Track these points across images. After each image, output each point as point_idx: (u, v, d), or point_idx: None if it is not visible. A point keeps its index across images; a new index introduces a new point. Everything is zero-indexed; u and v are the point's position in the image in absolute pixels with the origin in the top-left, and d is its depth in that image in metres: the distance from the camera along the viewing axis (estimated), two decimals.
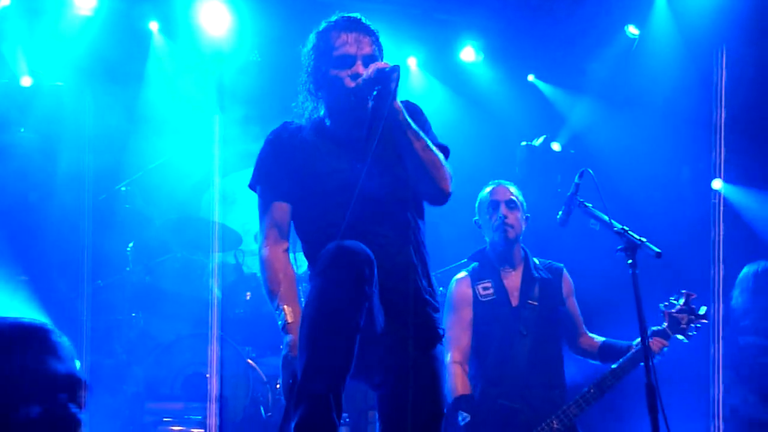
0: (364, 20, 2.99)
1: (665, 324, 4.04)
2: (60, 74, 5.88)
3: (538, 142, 5.93)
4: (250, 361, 5.51)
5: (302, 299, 2.84)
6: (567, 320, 4.39)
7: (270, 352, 5.71)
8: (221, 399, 5.20)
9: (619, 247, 3.51)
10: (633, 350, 4.05)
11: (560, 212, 4.00)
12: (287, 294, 2.89)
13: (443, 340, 3.03)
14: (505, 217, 4.30)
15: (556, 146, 6.27)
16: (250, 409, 5.37)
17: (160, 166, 6.01)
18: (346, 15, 2.99)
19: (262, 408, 5.45)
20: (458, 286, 4.39)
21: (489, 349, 4.25)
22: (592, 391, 4.05)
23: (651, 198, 5.69)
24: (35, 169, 5.50)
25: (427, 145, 2.85)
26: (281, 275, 2.91)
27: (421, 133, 2.86)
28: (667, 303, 4.06)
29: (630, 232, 3.51)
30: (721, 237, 4.60)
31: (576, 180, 3.79)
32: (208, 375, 5.21)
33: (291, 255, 3.02)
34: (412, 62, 6.73)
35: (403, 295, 2.85)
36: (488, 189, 4.44)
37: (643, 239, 3.47)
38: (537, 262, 4.42)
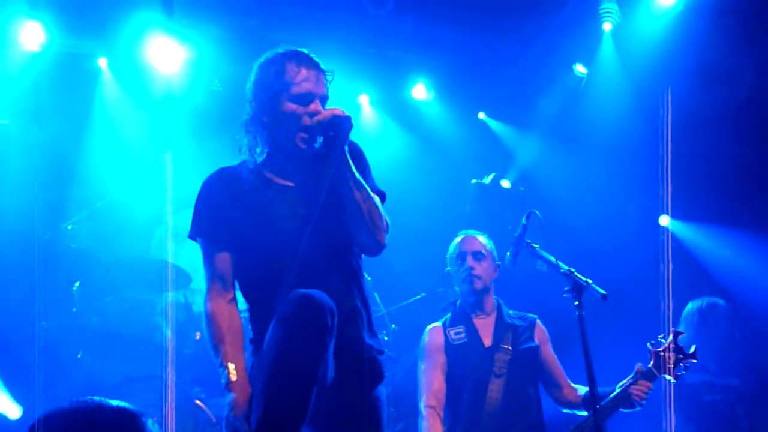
0: (316, 58, 2.94)
1: (651, 363, 3.99)
2: (5, 111, 5.79)
3: (488, 179, 5.97)
4: (198, 402, 5.42)
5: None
6: (546, 373, 4.36)
7: (219, 392, 5.60)
8: None
9: (565, 289, 3.55)
10: (615, 393, 4.01)
11: (508, 253, 4.03)
12: (231, 349, 2.82)
13: (386, 382, 3.01)
14: (472, 268, 4.31)
15: (505, 183, 6.32)
16: None
17: (108, 204, 5.93)
18: (297, 49, 2.93)
19: None
20: (430, 334, 4.40)
21: (463, 391, 4.24)
22: None
23: (600, 235, 5.74)
24: None
25: (368, 196, 2.84)
26: (225, 329, 2.86)
27: (363, 183, 2.85)
28: (653, 341, 4.02)
29: (576, 274, 3.54)
30: (670, 272, 4.65)
31: (523, 221, 3.83)
32: (154, 418, 5.11)
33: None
34: (363, 99, 6.76)
35: (350, 342, 2.84)
36: (458, 240, 4.45)
37: (589, 281, 3.51)
38: (511, 312, 4.44)
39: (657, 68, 5.74)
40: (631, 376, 4.01)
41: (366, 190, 2.84)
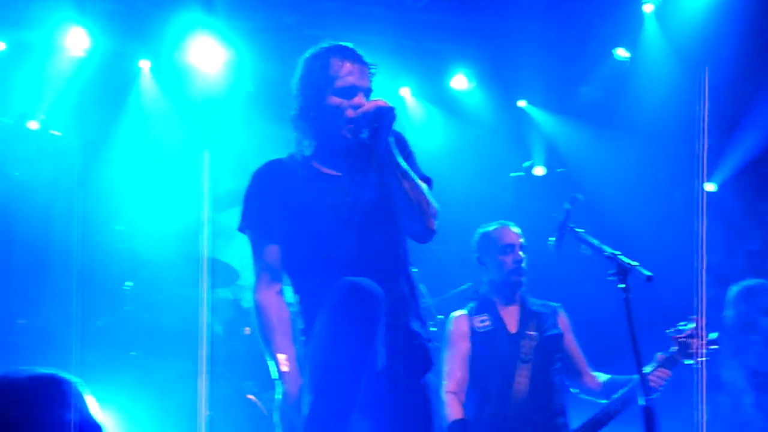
0: (360, 51, 2.98)
1: (674, 349, 3.98)
2: (56, 116, 5.92)
3: (526, 164, 5.94)
4: (251, 396, 5.50)
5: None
6: (568, 360, 4.35)
7: (271, 386, 5.68)
8: None
9: (610, 272, 3.52)
10: (633, 382, 3.98)
11: (552, 238, 4.02)
12: (281, 340, 2.86)
13: (434, 370, 3.03)
14: (522, 261, 4.29)
15: (539, 170, 6.28)
16: None
17: (157, 204, 6.03)
18: (342, 44, 2.98)
19: None
20: (455, 322, 4.39)
21: (490, 377, 4.23)
22: (597, 418, 4.04)
23: (643, 220, 5.67)
24: (32, 213, 5.51)
25: (415, 184, 2.86)
26: (275, 320, 2.89)
27: (410, 171, 2.87)
28: (675, 328, 4.00)
29: (621, 257, 3.51)
30: (704, 257, 4.58)
31: (566, 206, 3.80)
32: (208, 412, 5.18)
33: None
34: (405, 92, 6.78)
35: (398, 330, 2.86)
36: (496, 228, 4.40)
37: (635, 263, 3.48)
38: (533, 300, 4.42)
39: (700, 49, 5.66)
40: (651, 364, 3.98)
41: (413, 178, 2.86)
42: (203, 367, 5.14)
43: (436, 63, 6.68)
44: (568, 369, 4.36)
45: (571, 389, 4.39)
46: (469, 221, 6.33)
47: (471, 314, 4.37)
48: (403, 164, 2.86)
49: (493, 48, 6.46)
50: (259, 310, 2.92)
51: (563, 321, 4.41)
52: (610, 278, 3.50)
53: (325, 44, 2.99)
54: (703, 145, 4.65)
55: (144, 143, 6.31)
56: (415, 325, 2.95)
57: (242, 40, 6.13)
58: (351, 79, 2.90)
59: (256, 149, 6.15)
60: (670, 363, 3.98)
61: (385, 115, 2.80)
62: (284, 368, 2.80)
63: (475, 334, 4.30)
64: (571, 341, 4.39)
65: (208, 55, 6.13)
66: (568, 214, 3.81)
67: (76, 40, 5.92)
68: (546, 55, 6.33)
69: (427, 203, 2.89)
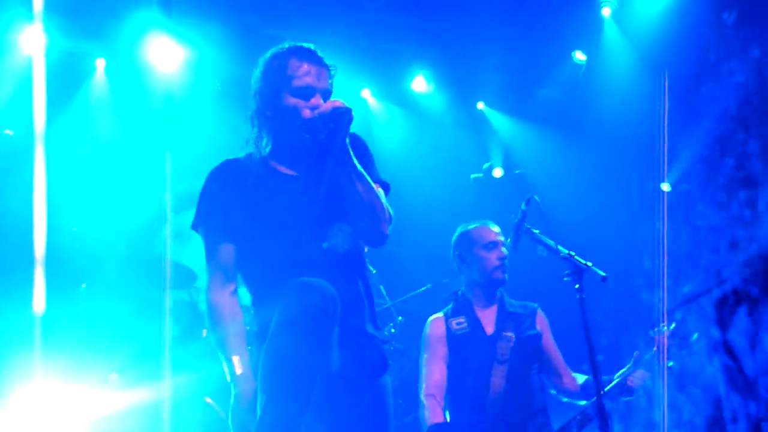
0: (320, 53, 2.97)
1: (654, 350, 3.99)
2: (8, 119, 5.83)
3: (485, 166, 5.97)
4: (208, 399, 5.45)
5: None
6: (546, 361, 4.35)
7: (229, 389, 5.64)
8: None
9: (566, 272, 3.54)
10: (614, 382, 4.01)
11: (508, 239, 4.04)
12: (235, 341, 2.84)
13: (391, 372, 3.02)
14: (506, 258, 4.26)
15: (497, 172, 6.31)
16: None
17: (113, 205, 5.97)
18: (302, 44, 2.96)
19: None
20: (432, 325, 4.36)
21: (467, 379, 4.21)
22: (577, 418, 4.03)
23: (600, 221, 5.71)
24: None
25: (369, 187, 2.85)
26: (228, 321, 2.86)
27: (365, 174, 2.86)
28: (656, 329, 4.01)
29: (576, 257, 3.54)
30: (665, 259, 4.62)
31: (523, 207, 3.81)
32: (165, 416, 5.13)
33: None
34: (366, 93, 6.78)
35: (352, 332, 2.85)
36: (477, 226, 4.37)
37: (589, 263, 3.50)
38: (512, 301, 4.41)
39: (657, 53, 5.72)
40: (629, 364, 4.00)
41: (367, 181, 2.85)
42: (166, 369, 5.10)
43: (396, 65, 6.68)
44: (547, 370, 4.34)
45: (551, 391, 4.37)
46: (429, 222, 6.38)
47: (448, 317, 4.34)
48: (359, 167, 2.84)
49: (452, 50, 6.49)
50: (212, 310, 2.89)
51: (541, 321, 4.39)
52: (566, 279, 3.51)
53: (285, 45, 2.98)
54: (663, 146, 4.70)
55: (100, 142, 6.23)
56: (370, 327, 2.94)
57: (201, 39, 6.09)
58: (308, 80, 2.89)
59: (216, 149, 6.09)
60: (650, 364, 3.99)
61: (341, 117, 2.78)
62: (238, 370, 2.78)
63: (452, 337, 4.27)
64: (549, 342, 4.36)
65: (166, 54, 6.08)
66: (525, 215, 3.82)
67: (32, 39, 5.84)
68: (505, 58, 6.37)
69: (381, 208, 2.87)
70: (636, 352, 4.01)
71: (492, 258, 4.27)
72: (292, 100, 2.89)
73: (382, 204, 2.89)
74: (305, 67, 2.90)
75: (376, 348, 2.94)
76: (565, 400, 4.36)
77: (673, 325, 4.01)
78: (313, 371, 2.57)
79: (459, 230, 4.43)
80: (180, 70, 6.15)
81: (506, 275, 4.28)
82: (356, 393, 2.86)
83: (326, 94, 2.92)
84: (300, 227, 2.86)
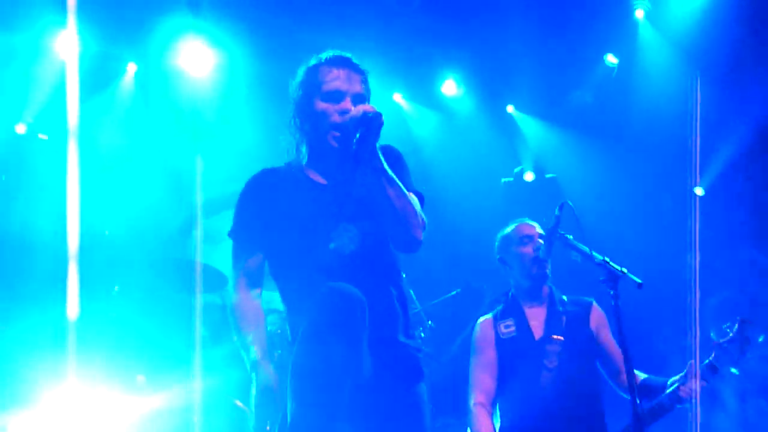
0: (355, 59, 2.98)
1: (712, 356, 3.82)
2: (45, 120, 5.89)
3: (516, 170, 5.93)
4: (238, 402, 5.46)
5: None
6: (605, 358, 4.21)
7: None
8: None
9: (601, 278, 3.49)
10: (669, 389, 3.89)
11: (541, 246, 4.00)
12: (256, 333, 2.86)
13: (426, 380, 3.00)
14: (541, 248, 4.14)
15: (528, 176, 6.26)
16: None
17: (145, 209, 6.00)
18: (338, 52, 2.97)
19: None
20: (480, 328, 4.27)
21: (514, 387, 4.12)
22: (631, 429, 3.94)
23: (634, 226, 5.64)
24: (17, 217, 5.47)
25: (401, 193, 2.82)
26: (251, 318, 2.89)
27: (396, 180, 2.83)
28: (715, 333, 3.87)
29: (611, 263, 3.48)
30: (698, 263, 4.55)
31: (556, 212, 3.74)
32: (195, 418, 5.15)
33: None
34: (397, 97, 6.77)
35: (384, 340, 2.84)
36: (514, 226, 4.32)
37: (624, 270, 3.44)
38: (565, 298, 4.30)
39: (691, 55, 5.66)
40: (682, 373, 3.87)
41: (399, 186, 2.82)
42: (197, 371, 5.12)
43: (427, 68, 6.66)
44: (606, 367, 4.21)
45: (613, 386, 4.21)
46: (459, 226, 6.35)
47: (497, 319, 4.25)
48: (390, 172, 2.82)
49: (482, 53, 6.45)
50: (236, 310, 2.91)
51: (597, 317, 4.25)
52: (601, 285, 3.46)
53: (323, 54, 3.00)
54: (695, 150, 4.63)
55: (133, 147, 6.27)
56: (402, 336, 2.91)
57: (233, 43, 6.11)
58: (337, 84, 2.90)
59: (247, 154, 6.15)
60: (708, 371, 3.84)
61: (371, 121, 2.76)
62: (259, 356, 2.79)
63: (500, 342, 4.18)
64: (607, 338, 4.22)
65: (198, 57, 6.11)
66: (558, 221, 3.75)
67: (66, 43, 5.89)
68: (536, 61, 6.32)
69: (414, 213, 2.85)
70: (691, 362, 3.86)
71: (528, 251, 4.19)
72: (322, 105, 2.90)
73: (414, 210, 2.86)
74: (335, 72, 2.91)
75: (410, 357, 2.92)
76: (624, 396, 4.26)
77: (736, 326, 3.83)
78: (341, 377, 2.56)
79: (498, 236, 4.40)
80: (212, 74, 6.18)
81: (547, 269, 4.18)
82: (390, 402, 2.83)
83: (358, 99, 2.91)
84: (329, 236, 2.87)
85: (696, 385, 3.82)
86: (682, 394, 3.86)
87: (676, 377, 3.93)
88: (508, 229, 4.34)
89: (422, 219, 2.90)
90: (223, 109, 6.24)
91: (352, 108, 2.85)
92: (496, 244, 4.38)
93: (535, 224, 4.30)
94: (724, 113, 5.21)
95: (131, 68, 6.32)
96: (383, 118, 2.79)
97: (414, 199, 2.91)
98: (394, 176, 2.83)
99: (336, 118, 2.88)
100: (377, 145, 2.80)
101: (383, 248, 2.93)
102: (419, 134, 6.75)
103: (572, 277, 4.36)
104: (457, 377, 4.69)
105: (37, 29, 5.83)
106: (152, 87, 6.29)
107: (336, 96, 2.90)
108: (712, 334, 3.88)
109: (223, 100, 6.26)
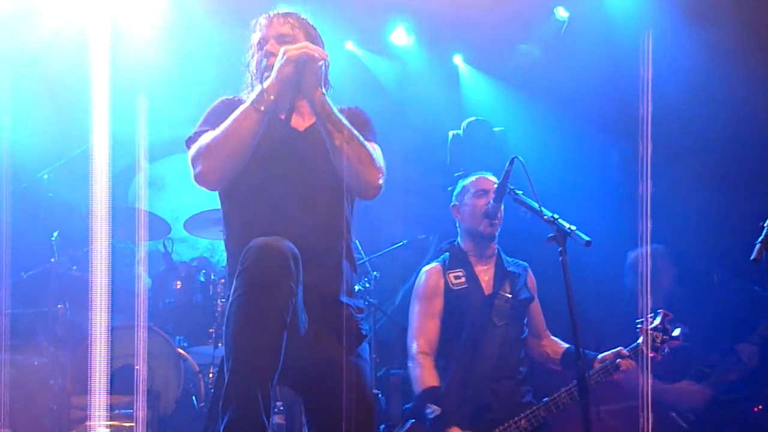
0: (293, 10, 3.03)
1: (640, 340, 3.98)
2: None
3: (465, 123, 5.90)
4: (180, 350, 5.43)
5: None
6: (530, 320, 4.30)
7: (202, 341, 5.62)
8: (151, 391, 5.10)
9: (549, 235, 3.50)
10: (606, 363, 4.00)
11: (491, 200, 4.00)
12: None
13: (366, 339, 3.00)
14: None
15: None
16: (182, 401, 5.28)
17: (85, 153, 5.82)
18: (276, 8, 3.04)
19: (194, 398, 5.38)
20: (428, 275, 4.27)
21: (459, 339, 4.15)
22: (562, 396, 3.98)
23: (581, 183, 5.67)
24: None
25: (353, 138, 2.80)
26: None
27: (348, 126, 2.81)
28: (642, 320, 4.01)
29: (560, 220, 3.49)
30: (649, 224, 4.60)
31: (506, 167, 3.75)
32: (137, 367, 5.10)
33: None
34: (349, 45, 6.67)
35: (324, 297, 2.84)
36: (472, 178, 4.35)
37: (573, 227, 3.46)
38: (508, 259, 4.35)
39: (641, 9, 5.65)
40: (612, 353, 4.00)
41: (350, 130, 2.80)
42: (141, 321, 5.05)
43: (377, 16, 6.55)
44: (529, 332, 4.29)
45: (530, 351, 4.32)
46: (406, 178, 6.32)
47: (445, 268, 4.26)
48: (340, 117, 2.80)
49: (433, 1, 6.35)
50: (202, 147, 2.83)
51: (531, 282, 4.35)
52: (549, 242, 3.48)
53: None
54: (647, 108, 4.64)
55: (72, 89, 6.08)
56: (344, 296, 2.90)
57: None
58: (263, 33, 2.98)
59: (193, 97, 5.99)
60: (635, 352, 3.97)
61: (298, 63, 2.74)
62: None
63: (449, 292, 4.20)
64: (535, 304, 4.32)
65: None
66: (508, 175, 3.76)
67: None
68: (486, 12, 6.24)
69: (369, 157, 2.83)
70: (620, 348, 4.00)
71: (480, 204, 4.22)
72: (256, 55, 3.01)
73: (370, 154, 2.84)
74: (263, 22, 3.01)
75: (350, 317, 2.91)
76: (541, 362, 4.36)
77: (658, 318, 3.99)
78: (276, 328, 2.52)
79: (460, 182, 4.40)
80: (159, 20, 6.00)
81: (495, 229, 4.21)
82: (329, 360, 2.82)
83: (280, 39, 2.94)
84: (284, 184, 2.86)
85: (646, 354, 3.93)
86: (622, 366, 3.96)
87: (605, 353, 4.02)
88: (468, 180, 4.35)
89: (380, 165, 2.88)
90: (168, 50, 6.06)
91: (276, 47, 2.87)
92: (456, 190, 4.39)
93: (494, 179, 4.30)
94: (675, 68, 5.22)
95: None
96: (308, 57, 2.75)
97: (372, 146, 2.88)
98: (345, 122, 2.80)
99: (267, 61, 2.92)
100: (323, 90, 2.79)
101: (335, 207, 2.90)
102: (371, 83, 6.66)
103: (511, 237, 4.39)
104: (402, 328, 4.72)
105: None
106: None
107: (261, 43, 2.98)
108: (637, 321, 4.02)
109: (168, 43, 6.08)
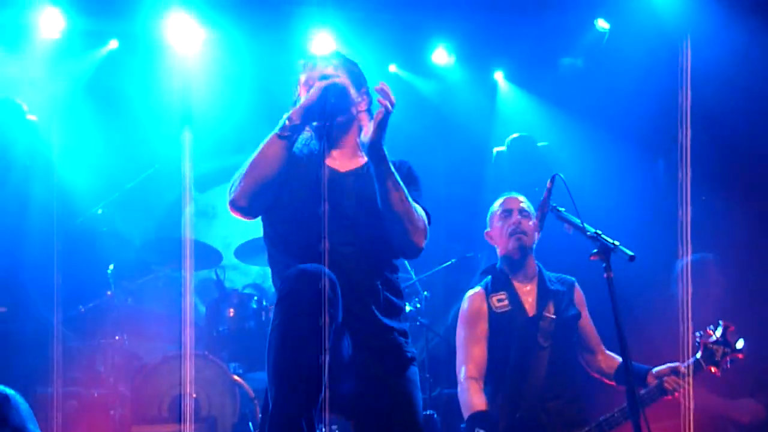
0: (329, 53, 3.19)
1: (699, 355, 3.89)
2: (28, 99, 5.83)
3: (509, 140, 5.88)
4: (236, 377, 5.49)
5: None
6: (583, 338, 4.26)
7: (257, 367, 5.69)
8: (208, 418, 5.16)
9: (593, 251, 3.48)
10: (659, 381, 3.92)
11: (534, 217, 3.99)
12: None
13: (416, 362, 3.01)
14: (520, 223, 4.20)
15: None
16: (239, 427, 5.34)
17: (137, 186, 5.97)
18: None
19: (251, 424, 5.43)
20: (471, 300, 4.27)
21: (507, 362, 4.12)
22: (616, 415, 3.92)
23: (624, 198, 5.58)
24: (8, 200, 5.42)
25: (404, 197, 2.86)
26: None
27: (402, 185, 2.87)
28: (702, 333, 3.92)
29: (603, 236, 3.47)
30: (689, 240, 4.52)
31: (548, 184, 3.74)
32: (194, 395, 5.18)
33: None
34: (392, 68, 6.73)
35: (366, 322, 2.87)
36: (500, 200, 4.37)
37: (616, 242, 3.43)
38: (551, 276, 4.32)
39: (682, 16, 5.57)
40: (668, 367, 3.93)
41: (403, 191, 2.87)
42: (188, 349, 5.13)
43: (417, 37, 6.59)
44: (582, 347, 4.26)
45: (585, 367, 4.28)
46: (452, 196, 6.33)
47: (488, 292, 4.25)
48: (396, 176, 2.86)
49: (472, 20, 6.35)
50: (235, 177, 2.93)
51: (579, 297, 4.30)
52: (592, 258, 3.45)
53: None
54: (685, 122, 4.58)
55: (121, 125, 6.23)
56: (386, 319, 2.92)
57: (220, 18, 6.04)
58: (309, 74, 3.06)
59: (237, 129, 6.11)
60: (695, 367, 3.88)
61: (325, 93, 2.85)
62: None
63: (492, 315, 4.19)
64: (585, 319, 4.27)
65: (185, 34, 6.05)
66: (550, 193, 3.73)
67: (50, 21, 5.84)
68: (526, 27, 6.24)
69: (415, 218, 2.89)
70: (678, 365, 3.92)
71: (505, 226, 4.22)
72: (301, 93, 3.07)
73: (417, 214, 2.90)
74: (310, 65, 3.10)
75: (393, 341, 2.93)
76: (597, 376, 4.29)
77: (719, 330, 3.90)
78: (311, 356, 2.55)
79: (490, 209, 4.41)
80: (199, 50, 6.12)
81: (522, 243, 4.18)
82: (374, 385, 2.85)
83: (324, 77, 3.00)
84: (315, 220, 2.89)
85: (686, 380, 3.86)
86: (667, 386, 3.90)
87: (661, 367, 3.96)
88: (495, 203, 4.36)
89: (425, 225, 2.94)
90: (212, 83, 6.18)
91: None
92: (487, 218, 4.40)
93: (521, 197, 4.31)
94: (717, 77, 5.12)
95: (113, 45, 6.25)
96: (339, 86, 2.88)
97: (419, 208, 2.94)
98: (399, 180, 2.87)
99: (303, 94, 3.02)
100: (383, 143, 2.85)
101: (378, 245, 2.93)
102: (414, 102, 6.69)
103: (554, 254, 4.36)
104: (453, 347, 4.70)
105: (20, 6, 5.77)
106: (140, 63, 6.22)
107: (307, 84, 3.05)
108: (697, 334, 3.93)
109: (211, 75, 6.20)
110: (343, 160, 3.04)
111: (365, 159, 3.01)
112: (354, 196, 2.95)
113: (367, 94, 3.09)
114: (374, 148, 2.84)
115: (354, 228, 2.92)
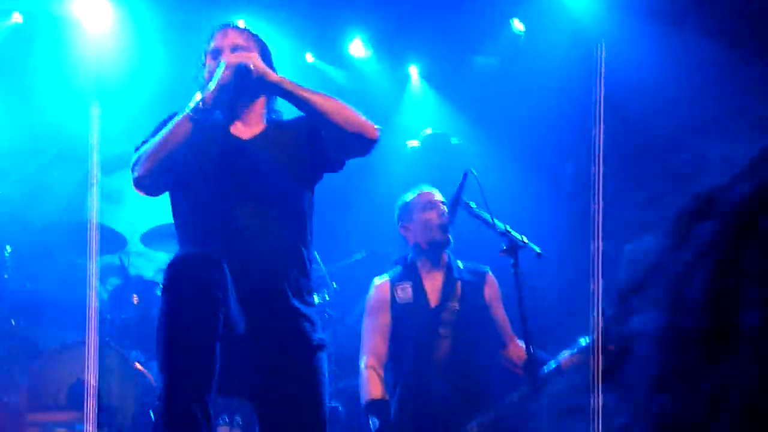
0: (242, 25, 3.11)
1: (592, 336, 3.95)
2: None
3: (422, 135, 5.92)
4: (138, 365, 5.36)
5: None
6: (493, 330, 4.28)
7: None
8: (107, 407, 5.03)
9: (503, 247, 3.53)
10: (557, 364, 3.95)
11: (445, 212, 4.02)
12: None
13: (324, 349, 2.97)
14: (444, 215, 4.21)
15: (413, 143, 6.23)
16: (140, 416, 5.22)
17: (40, 167, 5.78)
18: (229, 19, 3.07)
19: (151, 413, 5.32)
20: (376, 290, 4.30)
21: (407, 353, 4.16)
22: (515, 401, 3.97)
23: (535, 196, 5.69)
24: None
25: (328, 97, 2.86)
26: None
27: (317, 90, 2.87)
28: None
29: (512, 233, 3.52)
30: (600, 239, 4.62)
31: (460, 180, 3.77)
32: (88, 382, 5.04)
33: None
34: (309, 57, 6.67)
35: (274, 302, 2.83)
36: (416, 193, 4.36)
37: (525, 239, 3.49)
38: (461, 264, 4.35)
39: (597, 21, 5.69)
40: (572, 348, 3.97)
41: (321, 93, 2.86)
42: (91, 336, 4.99)
43: (335, 27, 6.56)
44: (493, 339, 4.29)
45: (499, 359, 4.31)
46: (363, 190, 6.32)
47: (394, 281, 4.28)
48: (303, 85, 2.86)
49: (388, 13, 6.36)
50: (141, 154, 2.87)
51: (490, 287, 4.32)
52: (501, 254, 3.50)
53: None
54: (599, 121, 4.67)
55: (25, 102, 6.01)
56: (297, 301, 2.88)
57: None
58: (217, 43, 3.03)
59: (148, 111, 5.95)
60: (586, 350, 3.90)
61: (236, 67, 2.81)
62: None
63: (395, 306, 4.22)
64: (497, 309, 4.30)
65: (92, 9, 5.87)
66: (462, 188, 3.78)
67: None
68: (442, 22, 6.27)
69: (353, 112, 2.87)
70: (582, 338, 3.96)
71: (433, 217, 4.23)
72: (209, 63, 3.03)
73: (351, 109, 2.88)
74: (218, 33, 3.06)
75: (301, 324, 2.88)
76: (507, 367, 4.36)
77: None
78: (201, 343, 2.49)
79: (398, 203, 4.40)
80: (108, 28, 5.95)
81: (450, 235, 4.22)
82: (280, 366, 2.81)
83: (235, 49, 2.98)
84: (234, 193, 2.87)
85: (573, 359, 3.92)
86: (563, 365, 3.96)
87: (564, 353, 4.02)
88: (410, 196, 4.36)
89: (364, 117, 2.89)
90: (120, 64, 6.02)
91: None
92: (397, 212, 4.39)
93: (436, 191, 4.33)
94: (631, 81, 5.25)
95: (17, 17, 6.01)
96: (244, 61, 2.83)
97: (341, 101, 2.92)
98: (309, 87, 2.87)
99: (213, 69, 2.95)
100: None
101: (286, 206, 2.90)
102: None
103: (472, 245, 4.40)
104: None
105: None
106: (41, 39, 5.99)
107: (215, 53, 3.02)
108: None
109: (121, 53, 6.04)
110: (245, 129, 3.01)
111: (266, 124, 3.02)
112: (260, 162, 2.91)
113: (272, 69, 3.04)
114: (264, 82, 2.85)
115: (263, 204, 2.87)
